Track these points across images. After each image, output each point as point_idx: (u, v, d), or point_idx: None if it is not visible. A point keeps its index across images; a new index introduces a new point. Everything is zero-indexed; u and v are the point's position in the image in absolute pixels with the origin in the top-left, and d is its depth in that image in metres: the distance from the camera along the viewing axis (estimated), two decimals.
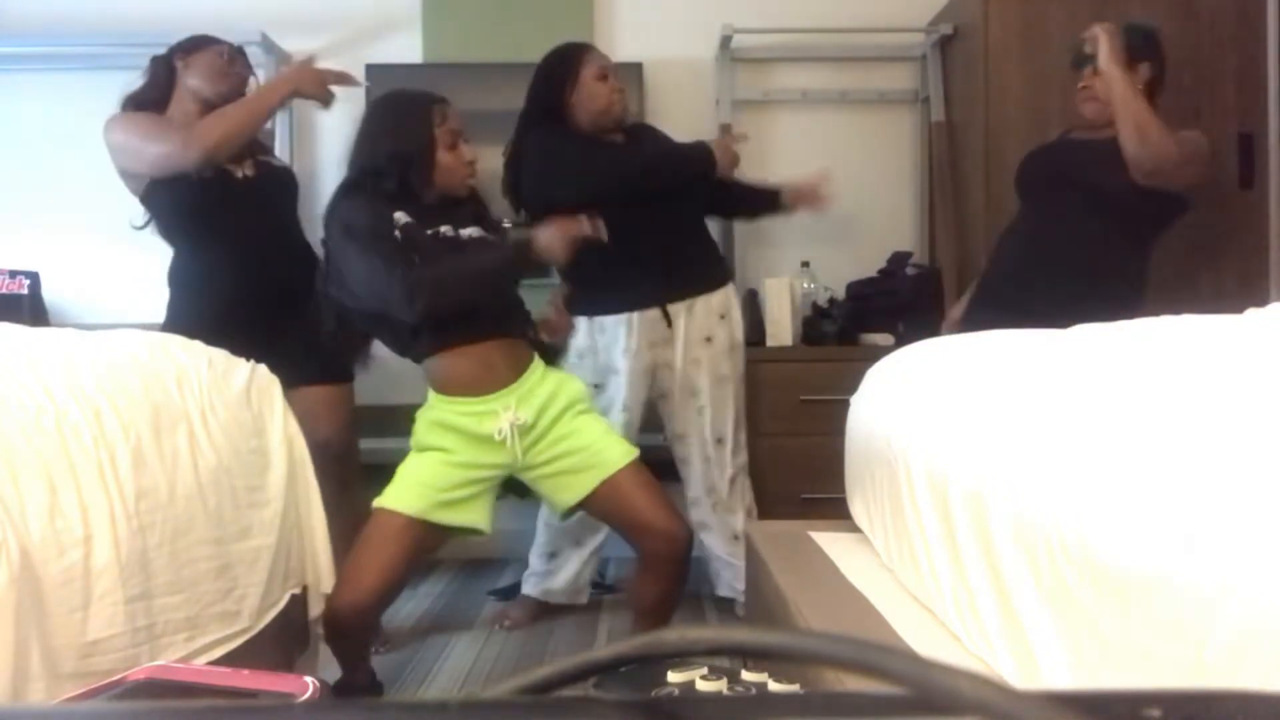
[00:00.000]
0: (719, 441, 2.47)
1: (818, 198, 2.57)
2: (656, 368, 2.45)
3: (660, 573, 1.90)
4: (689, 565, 1.91)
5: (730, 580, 2.48)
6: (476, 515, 1.88)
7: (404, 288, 1.76)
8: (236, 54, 2.36)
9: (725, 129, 2.98)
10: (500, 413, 1.84)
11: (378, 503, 1.82)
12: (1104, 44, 2.19)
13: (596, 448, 1.89)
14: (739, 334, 2.52)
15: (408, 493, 1.81)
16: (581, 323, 2.40)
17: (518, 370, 1.88)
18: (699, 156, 2.38)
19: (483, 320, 1.87)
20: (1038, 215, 2.29)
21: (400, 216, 1.83)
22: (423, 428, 1.89)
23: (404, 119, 1.91)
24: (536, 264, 1.90)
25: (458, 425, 1.85)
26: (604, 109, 2.36)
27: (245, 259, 2.25)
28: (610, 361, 2.41)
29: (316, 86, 2.29)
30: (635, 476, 1.88)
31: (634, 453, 1.91)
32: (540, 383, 1.90)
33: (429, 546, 1.88)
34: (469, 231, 1.91)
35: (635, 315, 2.39)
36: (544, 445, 1.89)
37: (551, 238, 1.85)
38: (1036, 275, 2.21)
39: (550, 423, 1.89)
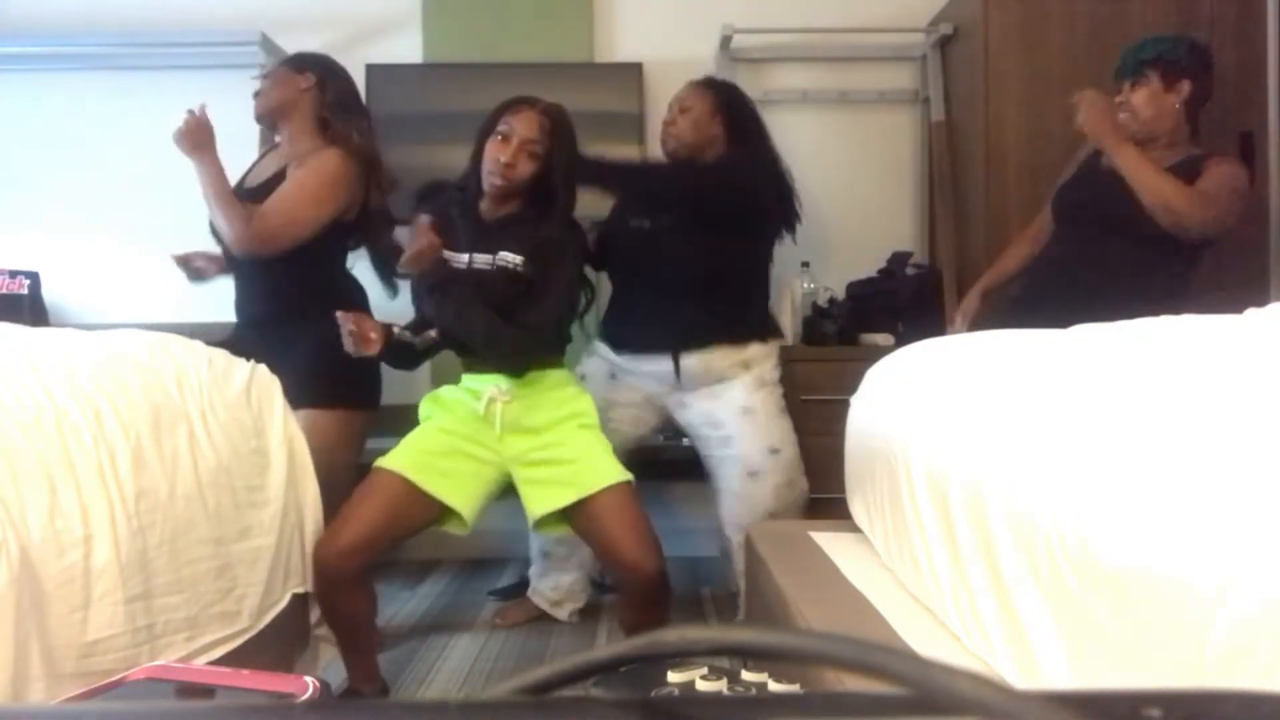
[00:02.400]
0: (752, 475, 2.38)
1: None
2: (656, 408, 2.47)
3: (631, 602, 1.87)
4: (664, 599, 1.85)
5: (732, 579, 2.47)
6: (460, 498, 1.86)
7: None
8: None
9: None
10: (488, 388, 1.91)
11: (374, 464, 1.90)
12: (1087, 116, 2.11)
13: (581, 465, 1.86)
14: (769, 374, 2.45)
15: (400, 454, 1.89)
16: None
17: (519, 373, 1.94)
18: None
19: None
20: (1075, 244, 2.22)
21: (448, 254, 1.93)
22: (424, 404, 2.01)
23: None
24: None
25: (452, 402, 1.97)
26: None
27: (242, 276, 2.26)
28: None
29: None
30: (613, 503, 1.82)
31: (618, 477, 1.85)
32: (549, 389, 1.94)
33: (412, 514, 1.85)
34: (485, 260, 1.91)
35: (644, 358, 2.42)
36: (534, 445, 1.90)
37: None
38: (1071, 303, 2.11)
39: (545, 424, 1.90)
